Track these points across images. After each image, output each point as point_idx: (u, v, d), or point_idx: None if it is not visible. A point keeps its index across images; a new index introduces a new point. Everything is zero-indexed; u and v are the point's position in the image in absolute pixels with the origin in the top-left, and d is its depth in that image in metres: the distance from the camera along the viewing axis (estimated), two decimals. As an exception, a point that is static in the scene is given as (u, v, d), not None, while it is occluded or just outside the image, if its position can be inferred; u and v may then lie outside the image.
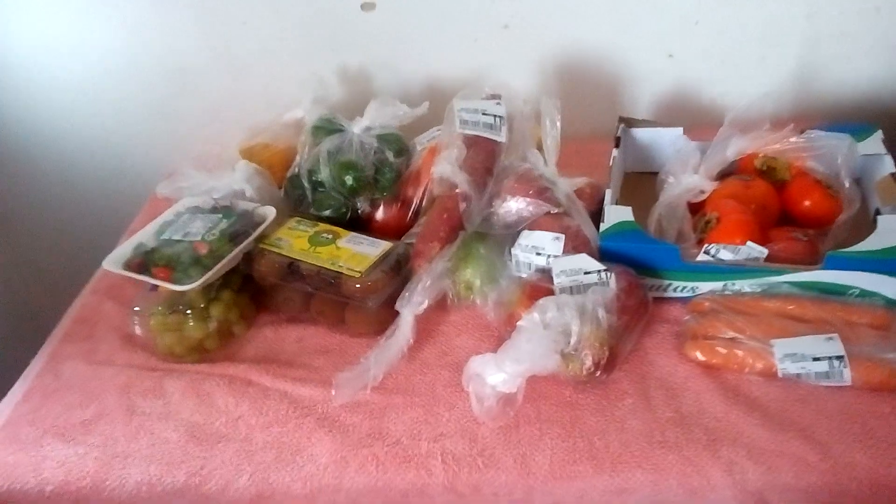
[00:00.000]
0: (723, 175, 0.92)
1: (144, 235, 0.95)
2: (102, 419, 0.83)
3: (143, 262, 0.90)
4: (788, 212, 0.91)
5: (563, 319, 0.77)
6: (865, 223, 0.88)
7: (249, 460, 0.77)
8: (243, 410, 0.82)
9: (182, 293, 0.86)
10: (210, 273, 0.86)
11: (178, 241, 0.91)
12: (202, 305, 0.88)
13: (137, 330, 0.90)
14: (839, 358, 0.74)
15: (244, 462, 0.76)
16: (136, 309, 0.89)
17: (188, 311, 0.87)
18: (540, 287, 0.84)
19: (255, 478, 0.75)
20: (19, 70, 1.23)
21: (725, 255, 0.82)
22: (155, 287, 0.89)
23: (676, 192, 0.89)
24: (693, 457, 0.71)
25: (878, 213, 0.87)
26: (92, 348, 0.93)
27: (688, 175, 0.90)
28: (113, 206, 1.28)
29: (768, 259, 0.81)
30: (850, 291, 0.81)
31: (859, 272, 0.80)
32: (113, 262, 0.91)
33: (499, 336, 0.86)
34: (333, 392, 0.82)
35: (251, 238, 0.92)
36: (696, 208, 0.91)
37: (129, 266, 0.90)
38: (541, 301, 0.79)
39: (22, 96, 1.27)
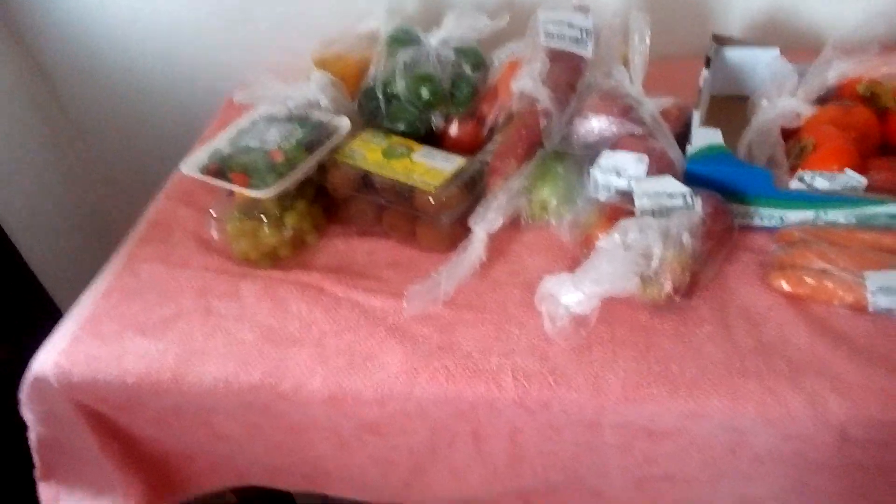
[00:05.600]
0: (821, 101, 0.86)
1: (220, 142, 0.95)
2: (181, 318, 0.85)
3: (220, 167, 0.90)
4: (891, 142, 0.86)
5: (644, 241, 0.75)
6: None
7: (323, 364, 0.78)
8: (316, 316, 0.83)
9: (258, 200, 0.87)
10: (286, 180, 0.86)
11: (255, 148, 0.91)
12: (277, 213, 0.88)
13: (214, 234, 0.91)
14: (937, 294, 0.71)
15: (317, 365, 0.78)
16: (214, 213, 0.90)
17: (264, 218, 0.88)
18: (620, 209, 0.82)
19: (328, 381, 0.77)
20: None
21: (821, 182, 0.78)
22: (231, 192, 0.90)
23: (770, 117, 0.85)
24: (773, 386, 0.69)
25: None
26: (168, 251, 0.95)
27: (783, 98, 0.85)
28: (184, 115, 1.29)
29: (867, 189, 0.77)
30: (954, 227, 0.77)
31: (966, 207, 0.75)
32: (190, 167, 0.92)
33: (572, 258, 0.85)
34: (405, 304, 0.82)
35: (326, 148, 0.91)
36: (789, 135, 0.86)
37: (206, 171, 0.91)
38: (622, 222, 0.77)
39: (94, 5, 1.27)
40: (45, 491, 0.91)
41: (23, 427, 0.87)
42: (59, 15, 1.29)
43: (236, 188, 0.88)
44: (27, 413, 0.86)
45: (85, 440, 0.85)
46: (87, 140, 1.47)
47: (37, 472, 0.90)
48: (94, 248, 1.10)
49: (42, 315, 1.20)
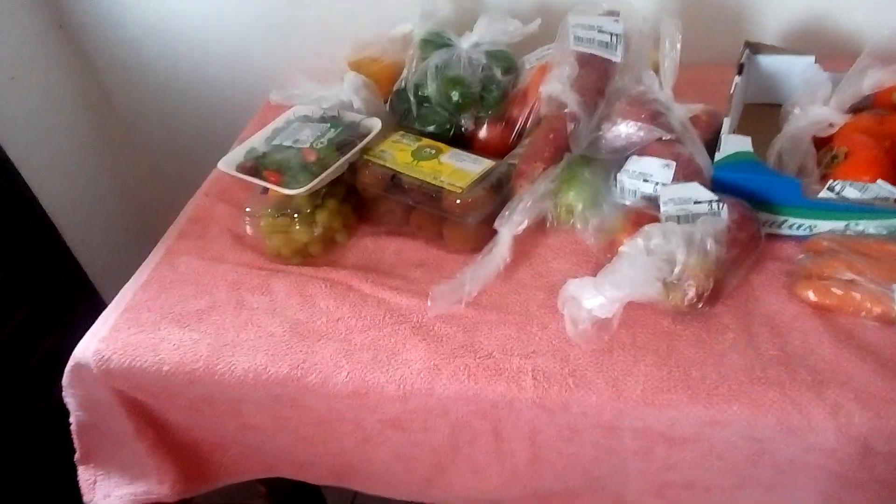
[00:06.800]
0: (855, 109, 0.85)
1: (256, 141, 0.98)
2: (214, 310, 0.88)
3: (255, 165, 0.93)
4: (927, 152, 0.84)
5: (668, 247, 0.75)
6: None
7: (348, 359, 0.80)
8: (343, 313, 0.85)
9: (290, 197, 0.89)
10: (318, 179, 0.88)
11: (288, 147, 0.94)
12: (308, 211, 0.91)
13: (248, 230, 0.94)
14: (969, 308, 0.69)
15: (343, 360, 0.80)
16: (248, 210, 0.93)
17: (295, 216, 0.90)
18: (645, 214, 0.82)
19: (353, 375, 0.78)
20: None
21: (851, 192, 0.77)
22: (265, 190, 0.92)
23: (802, 125, 0.84)
24: (795, 396, 0.69)
25: None
26: (205, 246, 0.98)
27: (816, 106, 0.84)
28: (225, 115, 1.33)
29: (899, 200, 0.76)
30: None
31: None
32: (227, 165, 0.95)
33: (596, 262, 0.85)
34: (429, 303, 0.83)
35: (357, 148, 0.93)
36: (821, 144, 0.85)
37: (241, 169, 0.94)
38: (646, 227, 0.77)
39: (141, 4, 1.32)
40: (83, 474, 0.94)
41: (66, 412, 0.91)
42: (108, 14, 1.34)
43: (270, 186, 0.90)
44: (68, 398, 0.90)
45: (122, 426, 0.89)
46: (134, 137, 1.53)
47: (76, 456, 0.94)
48: (139, 240, 1.15)
49: (87, 305, 1.25)
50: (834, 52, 1.07)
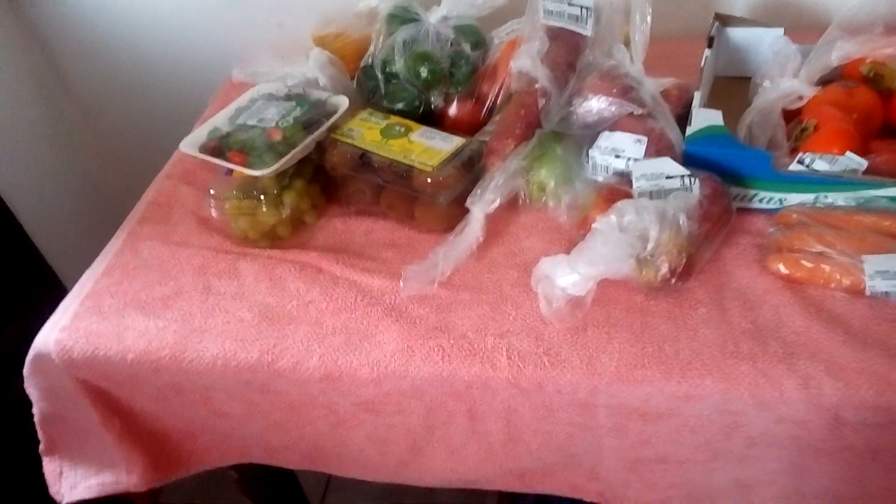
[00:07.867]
0: (824, 82, 0.85)
1: (219, 120, 0.95)
2: (180, 296, 0.85)
3: (219, 146, 0.90)
4: (893, 124, 0.85)
5: (641, 224, 0.74)
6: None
7: (320, 342, 0.78)
8: (314, 296, 0.83)
9: (256, 178, 0.87)
10: (284, 159, 0.86)
11: (253, 126, 0.91)
12: (275, 192, 0.88)
13: (213, 212, 0.91)
14: (936, 278, 0.70)
15: (314, 344, 0.78)
16: (212, 192, 0.90)
17: (262, 197, 0.88)
18: (617, 191, 0.82)
19: (325, 359, 0.77)
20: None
21: (821, 165, 0.77)
22: (230, 171, 0.90)
23: (772, 97, 0.84)
24: (767, 369, 0.69)
25: None
26: (169, 230, 0.95)
27: (786, 79, 0.84)
28: (187, 94, 1.28)
29: (868, 171, 0.76)
30: (956, 210, 0.76)
31: (968, 190, 0.74)
32: (189, 146, 0.92)
33: (570, 240, 0.85)
34: (401, 284, 0.82)
35: (324, 127, 0.91)
36: (791, 116, 0.85)
37: (204, 150, 0.91)
38: (619, 204, 0.76)
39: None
40: (48, 465, 0.92)
41: (29, 403, 0.89)
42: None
43: (234, 167, 0.88)
44: (30, 389, 0.87)
45: (87, 416, 0.87)
46: (91, 118, 1.48)
47: (41, 447, 0.91)
48: (100, 225, 1.12)
49: (48, 293, 1.21)
50: (802, 23, 1.07)
